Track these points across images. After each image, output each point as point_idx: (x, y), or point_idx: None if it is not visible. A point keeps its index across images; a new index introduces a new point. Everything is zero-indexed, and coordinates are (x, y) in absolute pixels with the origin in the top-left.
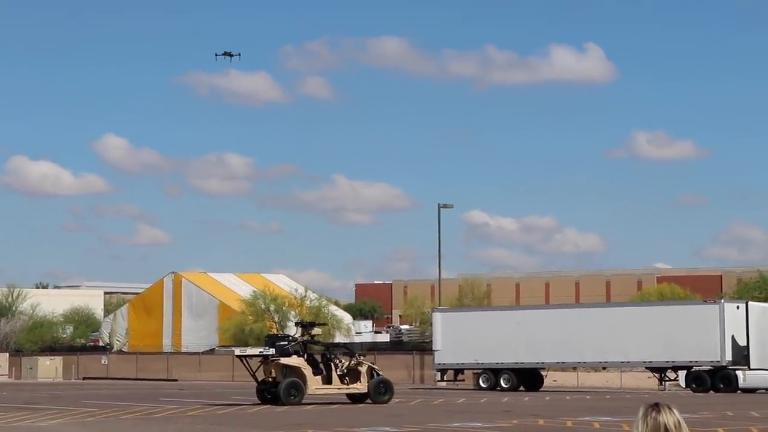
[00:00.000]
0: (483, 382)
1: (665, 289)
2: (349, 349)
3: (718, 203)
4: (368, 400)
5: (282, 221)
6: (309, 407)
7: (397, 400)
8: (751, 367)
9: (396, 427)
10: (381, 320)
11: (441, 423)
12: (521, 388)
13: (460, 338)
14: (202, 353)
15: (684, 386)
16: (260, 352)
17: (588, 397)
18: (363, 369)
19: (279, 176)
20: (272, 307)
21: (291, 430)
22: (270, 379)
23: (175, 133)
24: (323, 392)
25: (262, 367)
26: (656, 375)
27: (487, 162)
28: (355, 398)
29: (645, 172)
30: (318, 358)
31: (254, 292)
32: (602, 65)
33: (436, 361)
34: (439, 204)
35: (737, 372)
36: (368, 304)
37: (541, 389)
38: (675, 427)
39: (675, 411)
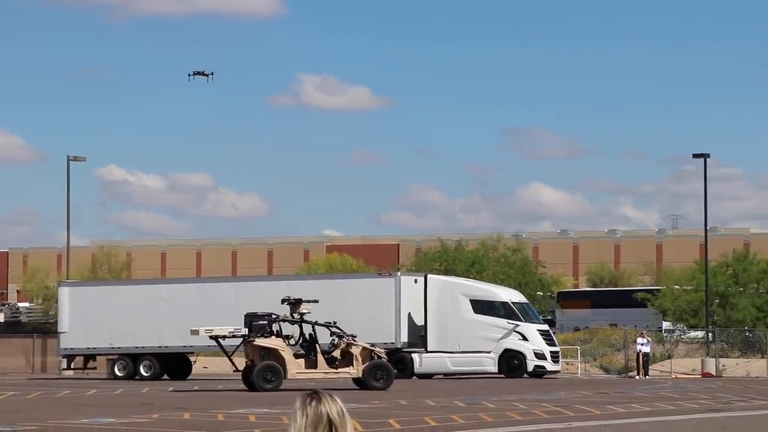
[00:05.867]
0: (119, 370)
1: (335, 259)
2: (339, 329)
3: (396, 162)
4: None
5: None
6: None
7: (12, 392)
8: (429, 349)
9: (8, 425)
10: None
11: (65, 419)
12: (165, 376)
13: (93, 318)
14: None
15: None
16: (230, 332)
17: (243, 385)
18: (356, 351)
19: None
20: None
21: None
22: (248, 363)
23: None
24: (306, 377)
25: (244, 350)
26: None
27: (125, 107)
28: (359, 383)
29: (314, 124)
30: (312, 339)
31: None
32: None
33: (63, 345)
34: (68, 156)
35: (413, 355)
36: None
37: (189, 377)
38: (338, 416)
39: (337, 399)
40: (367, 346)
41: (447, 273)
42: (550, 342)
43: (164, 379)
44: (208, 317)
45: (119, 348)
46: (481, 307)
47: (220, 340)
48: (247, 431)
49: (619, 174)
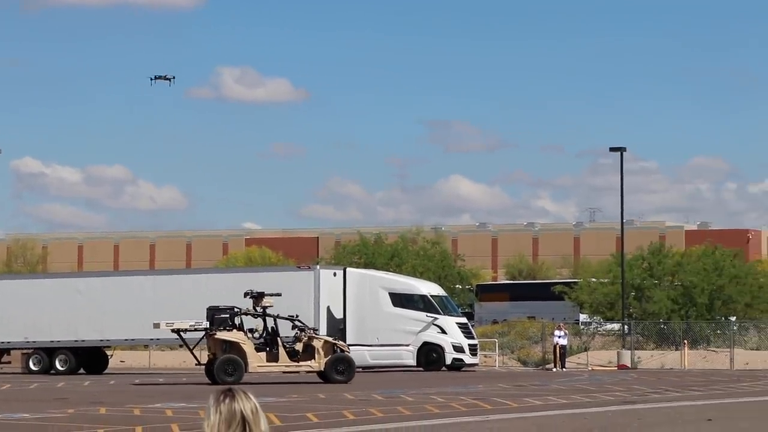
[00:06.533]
0: (34, 364)
1: (254, 252)
2: (302, 323)
3: (316, 155)
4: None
5: None
6: None
7: None
8: (347, 342)
9: None
10: None
11: None
12: (81, 370)
13: (7, 312)
14: None
15: None
16: (191, 325)
17: (161, 380)
18: (318, 344)
19: None
20: None
21: None
22: (210, 356)
23: None
24: (267, 370)
25: (207, 343)
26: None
27: (41, 99)
28: (321, 376)
29: (233, 116)
30: (274, 332)
31: None
32: None
33: None
34: None
35: None
36: None
37: (106, 371)
38: (252, 413)
39: (251, 396)
40: (330, 339)
41: (366, 266)
42: (468, 335)
43: (80, 374)
44: (126, 311)
45: (34, 342)
46: (400, 300)
47: (182, 333)
48: (164, 426)
49: (538, 167)
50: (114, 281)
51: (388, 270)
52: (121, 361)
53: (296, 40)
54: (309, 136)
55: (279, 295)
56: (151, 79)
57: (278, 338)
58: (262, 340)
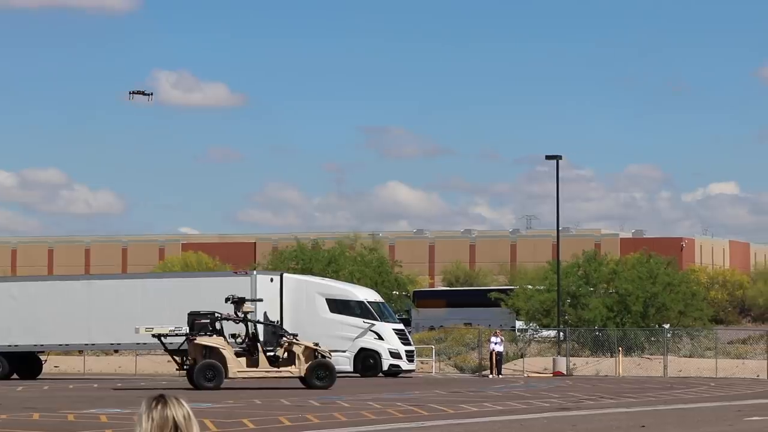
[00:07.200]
0: None
1: (191, 257)
2: (282, 328)
3: (253, 159)
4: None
5: None
6: None
7: None
8: None
9: None
10: None
11: None
12: (14, 375)
13: None
14: None
15: None
16: (171, 330)
17: (96, 385)
18: (299, 350)
19: None
20: None
21: None
22: (191, 361)
23: None
24: (247, 376)
25: (188, 348)
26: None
27: None
28: (304, 381)
29: (170, 120)
30: (254, 337)
31: None
32: None
33: None
34: None
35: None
36: None
37: (40, 377)
38: (185, 419)
39: (184, 403)
40: (311, 345)
41: (303, 272)
42: (405, 341)
43: (13, 379)
44: (60, 316)
45: None
46: (337, 306)
47: (163, 338)
48: (98, 431)
49: (475, 174)
50: (48, 286)
51: (325, 276)
52: (55, 367)
53: (233, 44)
54: (246, 140)
55: (260, 300)
56: (130, 94)
57: (258, 344)
58: (245, 345)
